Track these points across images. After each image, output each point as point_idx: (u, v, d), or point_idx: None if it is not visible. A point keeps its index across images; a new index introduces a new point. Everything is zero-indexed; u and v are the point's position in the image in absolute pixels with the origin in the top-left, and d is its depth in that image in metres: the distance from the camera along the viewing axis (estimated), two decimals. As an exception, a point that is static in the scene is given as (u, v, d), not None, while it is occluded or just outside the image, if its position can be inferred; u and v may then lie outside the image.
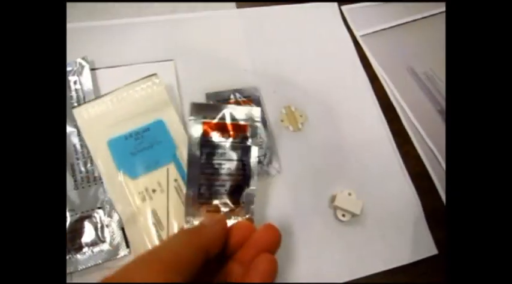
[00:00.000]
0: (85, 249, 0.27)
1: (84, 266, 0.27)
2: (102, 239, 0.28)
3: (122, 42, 0.36)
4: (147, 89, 0.32)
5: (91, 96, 0.32)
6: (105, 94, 0.31)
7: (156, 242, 0.28)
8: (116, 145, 0.30)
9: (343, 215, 0.31)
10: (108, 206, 0.29)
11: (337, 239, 0.31)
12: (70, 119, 0.31)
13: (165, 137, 0.31)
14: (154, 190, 0.29)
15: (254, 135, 0.28)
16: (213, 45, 0.38)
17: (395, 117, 0.37)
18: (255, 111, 0.29)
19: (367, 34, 0.41)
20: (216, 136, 0.28)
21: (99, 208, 0.29)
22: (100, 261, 0.27)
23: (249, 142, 0.28)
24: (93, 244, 0.28)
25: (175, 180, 0.29)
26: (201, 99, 0.34)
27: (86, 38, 0.36)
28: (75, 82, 0.33)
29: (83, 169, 0.30)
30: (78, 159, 0.30)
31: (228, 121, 0.29)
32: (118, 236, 0.28)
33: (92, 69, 0.34)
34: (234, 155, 0.28)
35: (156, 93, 0.32)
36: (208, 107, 0.29)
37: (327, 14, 0.42)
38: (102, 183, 0.30)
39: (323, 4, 0.42)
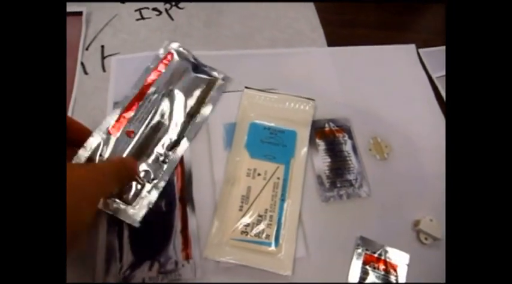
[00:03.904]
0: None
1: None
2: None
3: (231, 69, 0.42)
4: (301, 106, 0.40)
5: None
6: (274, 92, 0.40)
7: (236, 210, 0.34)
8: (255, 129, 0.38)
9: (426, 239, 0.35)
10: None
11: (419, 261, 0.35)
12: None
13: (291, 145, 0.38)
14: (259, 174, 0.36)
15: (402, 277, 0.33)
16: (307, 77, 0.43)
17: (467, 153, 0.41)
18: (404, 257, 0.34)
19: (442, 76, 0.46)
20: (372, 267, 0.34)
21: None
22: None
23: (399, 280, 0.33)
24: None
25: (278, 178, 0.36)
26: (300, 126, 0.39)
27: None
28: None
29: None
30: None
31: (383, 257, 0.34)
32: None
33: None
34: None
35: (304, 112, 0.39)
36: (370, 242, 0.35)
37: (406, 56, 0.47)
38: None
39: (403, 46, 0.47)
